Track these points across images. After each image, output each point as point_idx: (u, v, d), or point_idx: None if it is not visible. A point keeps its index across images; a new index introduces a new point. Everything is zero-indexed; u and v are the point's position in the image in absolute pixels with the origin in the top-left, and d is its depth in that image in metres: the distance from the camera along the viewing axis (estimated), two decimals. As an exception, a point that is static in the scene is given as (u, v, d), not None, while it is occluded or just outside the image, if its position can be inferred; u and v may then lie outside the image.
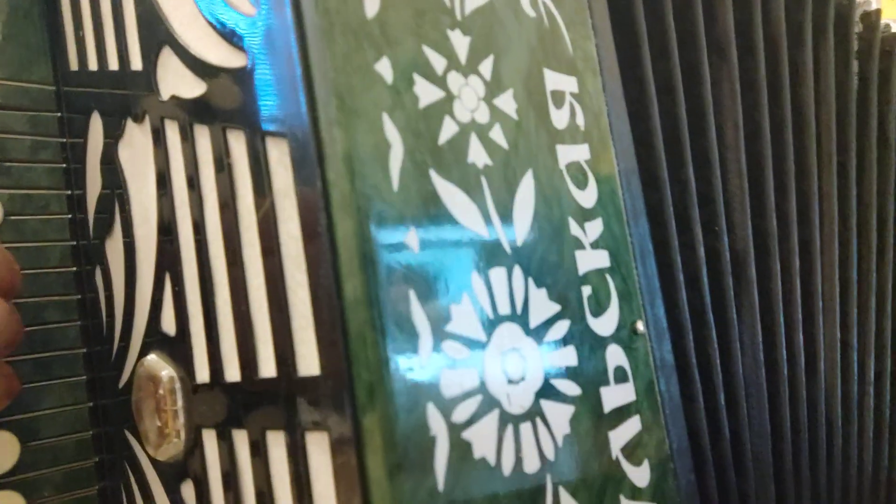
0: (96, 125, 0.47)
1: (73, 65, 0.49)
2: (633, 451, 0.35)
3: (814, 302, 0.54)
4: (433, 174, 0.29)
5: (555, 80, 0.36)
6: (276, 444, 0.31)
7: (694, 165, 0.47)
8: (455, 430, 0.27)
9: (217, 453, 0.36)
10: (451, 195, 0.29)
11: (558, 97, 0.36)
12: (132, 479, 0.46)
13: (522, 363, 0.31)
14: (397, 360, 0.26)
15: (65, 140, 0.50)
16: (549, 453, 0.31)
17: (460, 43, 0.31)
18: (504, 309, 0.30)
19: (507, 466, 0.29)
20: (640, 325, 0.37)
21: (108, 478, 0.49)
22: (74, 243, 0.50)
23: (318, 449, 0.28)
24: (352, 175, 0.26)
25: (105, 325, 0.47)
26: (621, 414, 0.35)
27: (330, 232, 0.26)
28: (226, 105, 0.32)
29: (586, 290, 0.35)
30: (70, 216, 0.50)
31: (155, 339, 0.41)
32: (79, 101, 0.48)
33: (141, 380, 0.41)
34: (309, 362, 0.28)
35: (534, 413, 0.30)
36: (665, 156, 0.45)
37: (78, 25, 0.48)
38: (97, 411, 0.49)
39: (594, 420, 0.33)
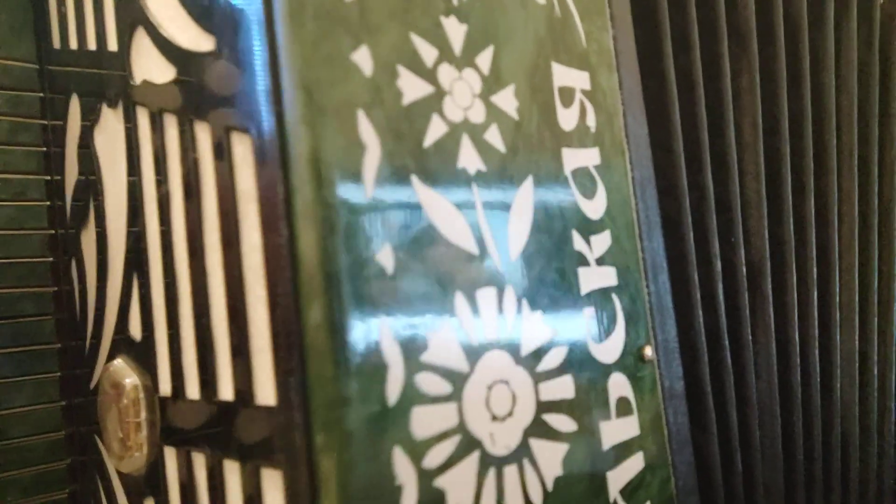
0: (75, 107, 0.44)
1: (56, 42, 0.46)
2: (633, 492, 0.32)
3: (830, 313, 0.49)
4: (415, 181, 0.25)
5: (564, 76, 0.32)
6: (233, 473, 0.28)
7: (712, 169, 0.42)
8: (426, 476, 0.24)
9: (177, 474, 0.33)
10: (435, 205, 0.25)
11: (567, 95, 0.32)
12: (100, 486, 0.43)
13: (510, 397, 0.27)
14: (361, 398, 0.22)
15: (46, 122, 0.47)
16: (537, 499, 0.27)
17: (455, 31, 0.28)
18: (492, 335, 0.27)
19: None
20: (649, 351, 0.33)
21: (81, 481, 0.46)
22: (53, 232, 0.47)
23: (273, 487, 0.25)
24: (318, 181, 0.23)
25: (79, 319, 0.45)
26: (622, 451, 0.31)
27: (291, 245, 0.23)
28: (193, 93, 0.29)
29: (589, 312, 0.31)
30: (49, 203, 0.47)
31: (123, 341, 0.39)
32: (60, 81, 0.45)
33: (106, 385, 0.38)
34: (266, 390, 0.25)
35: (521, 454, 0.27)
36: (684, 160, 0.40)
37: (61, 0, 0.45)
38: (71, 410, 0.46)
39: (591, 459, 0.30)
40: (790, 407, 0.46)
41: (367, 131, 0.24)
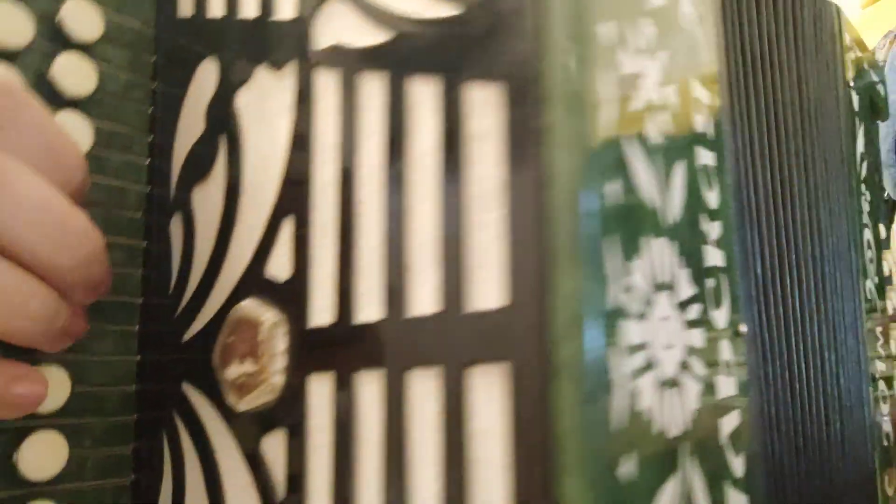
0: (206, 72, 0.46)
1: (186, 11, 0.48)
2: (735, 441, 0.37)
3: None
4: (623, 140, 0.31)
5: (697, 90, 0.39)
6: (423, 381, 0.30)
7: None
8: (625, 378, 0.28)
9: (328, 399, 0.35)
10: (636, 159, 0.31)
11: (699, 105, 0.39)
12: (183, 438, 0.44)
13: (672, 332, 0.32)
14: (590, 298, 0.27)
15: (155, 86, 0.50)
16: (687, 423, 0.32)
17: (649, 30, 0.34)
18: (663, 277, 0.32)
19: (657, 425, 0.30)
20: (743, 328, 0.39)
21: (145, 438, 0.46)
22: (149, 190, 0.48)
23: (485, 383, 0.28)
24: (574, 115, 0.27)
25: (176, 277, 0.46)
26: (727, 404, 0.36)
27: (539, 169, 0.27)
28: (416, 53, 0.32)
29: (710, 283, 0.37)
30: (148, 162, 0.49)
31: (253, 286, 0.41)
32: (184, 48, 0.48)
33: (234, 325, 0.40)
34: (487, 295, 0.28)
35: (677, 381, 0.32)
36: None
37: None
38: (145, 367, 0.47)
39: (712, 402, 0.35)
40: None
41: (603, 87, 0.29)
